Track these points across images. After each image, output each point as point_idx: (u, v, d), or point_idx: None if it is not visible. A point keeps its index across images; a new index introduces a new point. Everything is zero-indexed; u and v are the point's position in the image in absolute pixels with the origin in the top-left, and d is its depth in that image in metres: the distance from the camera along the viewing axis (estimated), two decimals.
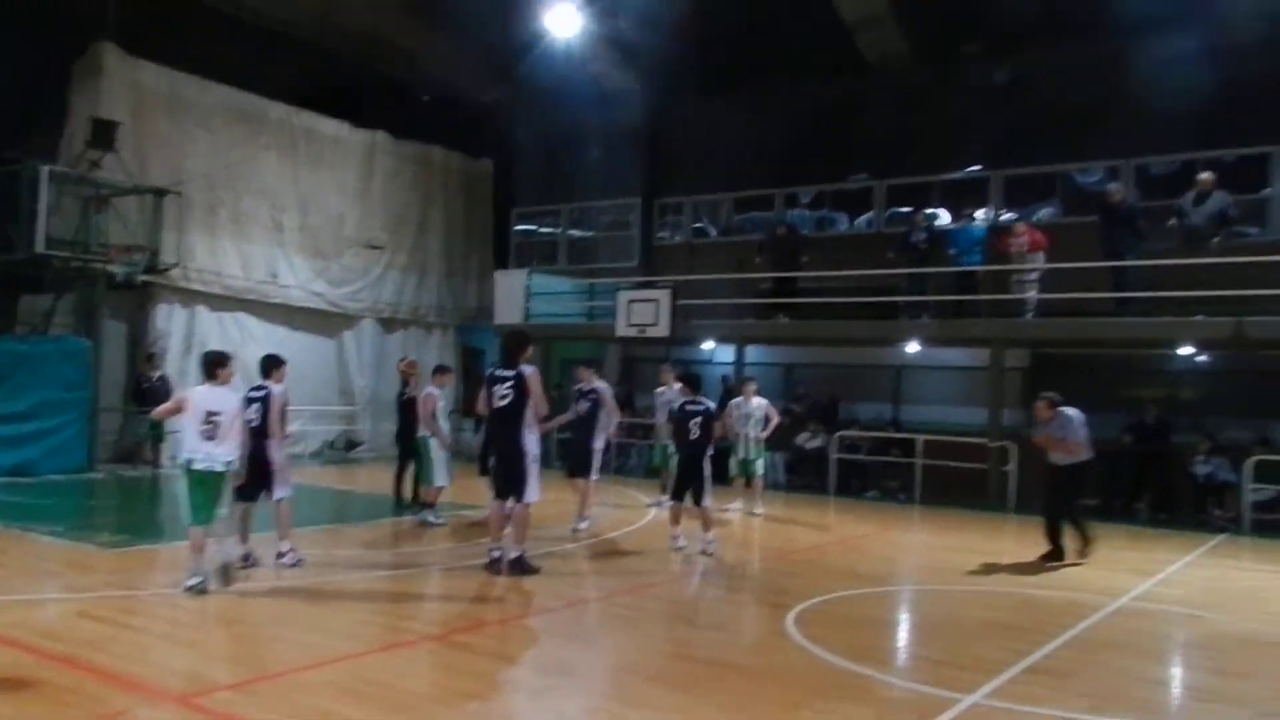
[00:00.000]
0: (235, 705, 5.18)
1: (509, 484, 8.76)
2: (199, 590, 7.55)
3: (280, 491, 8.74)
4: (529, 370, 8.72)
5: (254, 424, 8.61)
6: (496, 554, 8.83)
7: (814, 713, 5.35)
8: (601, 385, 11.81)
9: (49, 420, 15.07)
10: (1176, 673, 6.67)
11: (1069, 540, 10.53)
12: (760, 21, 18.63)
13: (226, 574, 7.80)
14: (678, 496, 10.31)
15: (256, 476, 8.60)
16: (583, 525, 11.35)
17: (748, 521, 13.06)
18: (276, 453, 8.69)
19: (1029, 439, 11.31)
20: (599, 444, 11.68)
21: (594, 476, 11.67)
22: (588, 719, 5.17)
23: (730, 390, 17.16)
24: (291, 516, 8.90)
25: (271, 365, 9.01)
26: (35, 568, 8.63)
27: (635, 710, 5.39)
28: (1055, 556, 10.47)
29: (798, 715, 5.32)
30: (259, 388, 8.80)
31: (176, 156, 17.74)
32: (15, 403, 14.67)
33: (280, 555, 8.76)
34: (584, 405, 11.63)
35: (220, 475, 7.73)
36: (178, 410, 7.86)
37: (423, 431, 11.54)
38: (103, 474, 15.69)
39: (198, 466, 7.61)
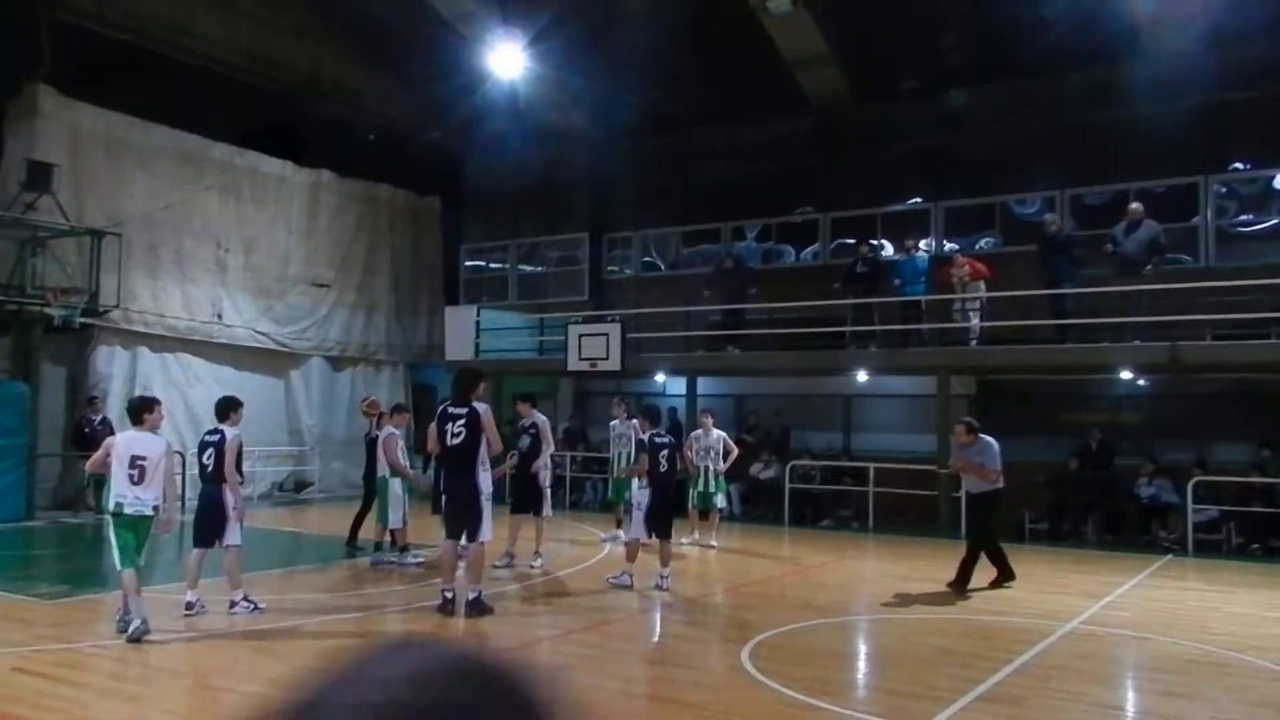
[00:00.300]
0: None
1: (462, 524, 8.68)
2: (140, 633, 7.40)
3: (231, 538, 8.56)
4: (482, 408, 8.68)
5: (209, 469, 8.53)
6: (450, 594, 8.72)
7: None
8: (540, 418, 11.68)
9: None
10: (1125, 695, 6.76)
11: (971, 569, 10.50)
12: (704, 60, 18.90)
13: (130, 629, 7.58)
14: (665, 534, 10.13)
15: (211, 522, 8.47)
16: (537, 563, 11.26)
17: (704, 554, 13.05)
18: (230, 497, 8.53)
19: (942, 468, 11.34)
20: (545, 478, 11.54)
21: (547, 513, 11.57)
22: None
23: (676, 424, 17.22)
24: (239, 564, 8.72)
25: (229, 408, 8.84)
26: None
27: None
28: (1006, 577, 10.53)
29: None
30: (214, 431, 8.69)
31: (116, 198, 17.48)
32: None
33: (232, 605, 8.57)
34: (525, 441, 11.53)
35: (148, 519, 7.66)
36: (106, 457, 7.74)
37: (382, 472, 11.45)
38: (42, 522, 15.28)
39: (127, 511, 7.55)
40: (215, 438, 8.59)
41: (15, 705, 5.88)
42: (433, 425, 8.85)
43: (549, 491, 11.68)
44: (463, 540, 8.75)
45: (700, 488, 13.40)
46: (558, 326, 19.33)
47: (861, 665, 7.92)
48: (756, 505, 17.65)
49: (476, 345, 20.05)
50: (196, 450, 8.84)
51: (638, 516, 10.08)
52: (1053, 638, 8.26)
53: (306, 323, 21.09)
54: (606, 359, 17.69)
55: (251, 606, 8.60)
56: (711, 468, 13.31)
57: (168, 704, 6.14)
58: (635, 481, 10.18)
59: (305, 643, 7.82)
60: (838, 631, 8.58)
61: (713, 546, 13.30)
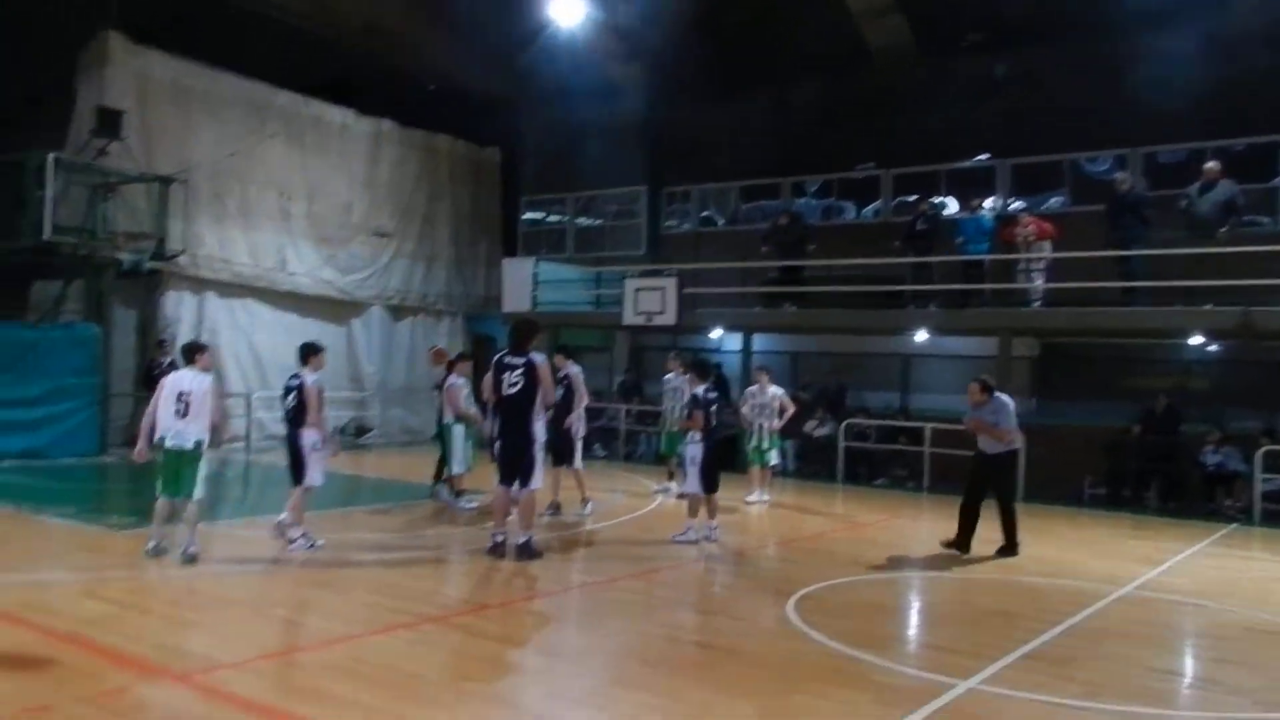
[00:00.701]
0: (233, 684, 5.23)
1: (515, 470, 8.83)
2: (154, 554, 8.20)
3: (310, 479, 8.91)
4: (539, 359, 8.82)
5: (291, 412, 8.96)
6: (500, 539, 8.88)
7: (809, 697, 5.37)
8: (574, 369, 11.66)
9: (60, 405, 15.21)
10: (1176, 661, 6.65)
11: (992, 530, 10.10)
12: (767, 11, 18.55)
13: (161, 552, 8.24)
14: (712, 487, 10.09)
15: (294, 462, 8.92)
16: (586, 510, 11.39)
17: (755, 509, 13.05)
18: (307, 440, 8.85)
19: (963, 424, 10.73)
20: (578, 430, 11.58)
21: (578, 464, 11.61)
22: (582, 699, 5.19)
23: (722, 379, 17.05)
24: (305, 505, 9.05)
25: (309, 353, 9.17)
26: (44, 549, 8.72)
27: (629, 692, 5.42)
28: (961, 546, 10.03)
29: (791, 700, 5.33)
30: (294, 376, 9.05)
31: (183, 145, 17.80)
32: (27, 388, 14.81)
33: (291, 541, 8.86)
34: (559, 392, 11.31)
35: (188, 453, 8.13)
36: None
37: (446, 419, 11.68)
38: (114, 458, 15.80)
39: (169, 444, 8.11)
40: (295, 382, 8.97)
41: (87, 627, 6.15)
42: (489, 374, 8.96)
43: (580, 443, 11.71)
44: (515, 487, 8.88)
45: (754, 443, 13.38)
46: (614, 280, 19.35)
47: (906, 621, 7.88)
48: (811, 463, 17.59)
49: (534, 297, 20.15)
50: (281, 395, 9.09)
51: (693, 471, 10.07)
52: (1106, 601, 8.15)
53: (368, 272, 21.37)
54: (662, 313, 17.68)
55: (310, 543, 8.87)
56: (766, 425, 13.26)
57: (227, 630, 6.36)
58: (689, 436, 10.18)
59: (359, 578, 8.03)
60: (885, 587, 8.54)
61: (764, 500, 13.31)
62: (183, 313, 18.00)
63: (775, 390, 13.44)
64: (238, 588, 7.62)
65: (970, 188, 17.42)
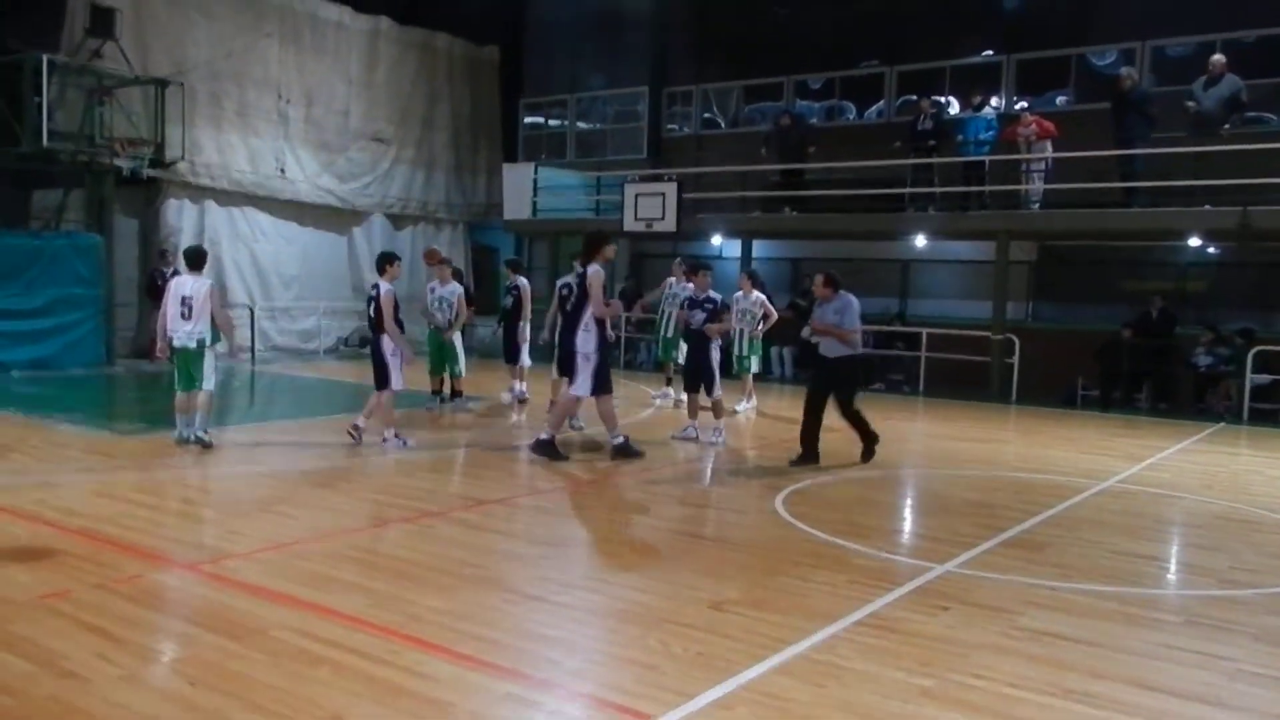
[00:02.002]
0: (240, 571, 5.49)
1: (569, 375, 9.35)
2: (180, 441, 9.13)
3: (392, 383, 9.38)
4: (591, 270, 9.03)
5: (371, 320, 9.48)
6: (617, 440, 9.27)
7: (790, 579, 5.62)
8: (523, 281, 12.97)
9: (66, 316, 15.39)
10: (1148, 546, 6.87)
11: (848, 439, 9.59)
12: None
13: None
14: (693, 389, 10.50)
15: (376, 368, 9.44)
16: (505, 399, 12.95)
17: (742, 416, 13.17)
18: (388, 346, 9.30)
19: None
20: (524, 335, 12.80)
21: (524, 362, 12.91)
22: (574, 583, 5.44)
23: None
24: (392, 405, 9.62)
25: (384, 262, 9.63)
26: (56, 454, 8.97)
27: (620, 575, 5.68)
28: (808, 460, 9.29)
29: (773, 580, 5.58)
30: (374, 285, 9.50)
31: (178, 45, 17.60)
32: (32, 298, 14.99)
33: (384, 440, 9.42)
34: (508, 300, 12.92)
35: (193, 351, 9.01)
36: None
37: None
38: (121, 368, 16.05)
39: (177, 344, 9.08)
40: (374, 292, 9.43)
41: (98, 523, 6.40)
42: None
43: (526, 346, 12.93)
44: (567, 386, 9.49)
45: (737, 351, 13.26)
46: (614, 186, 19.24)
47: (890, 513, 8.13)
48: (808, 369, 17.71)
49: (534, 204, 20.10)
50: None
51: (718, 375, 10.42)
52: (1086, 494, 8.38)
53: (367, 179, 21.29)
54: (663, 219, 17.62)
55: (401, 442, 9.44)
56: (747, 331, 13.12)
57: (235, 525, 6.61)
58: (714, 341, 10.40)
59: (362, 479, 8.32)
60: (871, 483, 8.78)
61: (749, 408, 13.28)
62: (184, 222, 18.05)
63: (758, 295, 13.30)
64: (245, 488, 7.88)
65: (975, 85, 17.18)
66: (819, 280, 9.41)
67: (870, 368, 17.07)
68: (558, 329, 10.30)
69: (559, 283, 10.86)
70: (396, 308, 9.38)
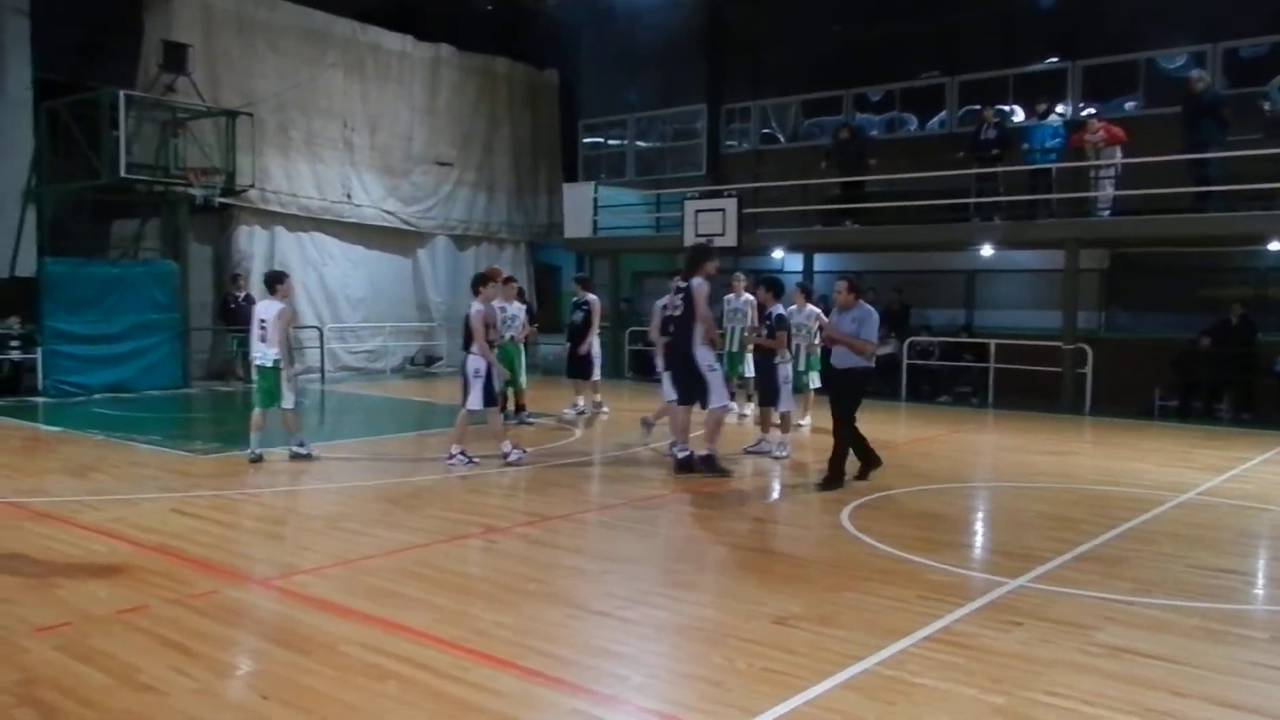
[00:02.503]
0: (309, 586, 5.58)
1: (689, 391, 9.29)
2: (252, 460, 9.48)
3: (470, 401, 9.49)
4: (695, 283, 9.15)
5: (463, 339, 9.70)
6: (683, 453, 9.33)
7: (857, 594, 5.52)
8: (592, 298, 13.49)
9: (143, 340, 15.90)
10: (1230, 560, 6.61)
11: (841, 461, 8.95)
12: None
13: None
14: (765, 403, 10.56)
15: (462, 385, 9.62)
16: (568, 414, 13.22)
17: (805, 432, 13.00)
18: (471, 364, 9.47)
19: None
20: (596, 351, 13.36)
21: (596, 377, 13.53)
22: (638, 599, 5.42)
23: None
24: (467, 423, 9.73)
25: (478, 283, 9.84)
26: (133, 473, 9.23)
27: (683, 591, 5.64)
28: (870, 466, 9.13)
29: (840, 596, 5.50)
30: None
31: (247, 78, 18.16)
32: (111, 324, 15.51)
33: (450, 456, 9.57)
34: (578, 315, 13.34)
35: (268, 369, 9.49)
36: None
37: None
38: (197, 390, 16.51)
39: (255, 363, 9.68)
40: (467, 311, 9.61)
41: (174, 540, 6.57)
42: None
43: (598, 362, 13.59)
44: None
45: (795, 366, 13.04)
46: (674, 202, 19.28)
47: (960, 527, 7.95)
48: (872, 382, 17.47)
49: (594, 223, 20.23)
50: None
51: (786, 390, 10.43)
52: (1165, 506, 8.13)
53: (431, 202, 21.66)
54: (723, 234, 17.59)
55: (466, 460, 9.51)
56: (804, 346, 12.93)
57: (305, 541, 6.73)
58: (779, 355, 10.34)
59: (430, 496, 8.39)
60: (940, 496, 8.61)
61: (806, 425, 13.06)
62: (255, 247, 18.54)
63: (812, 309, 13.10)
64: (315, 505, 8.03)
65: (1040, 93, 16.87)
66: (841, 286, 9.04)
67: (937, 381, 16.85)
68: (661, 348, 10.26)
69: (659, 304, 10.59)
70: (489, 326, 9.52)
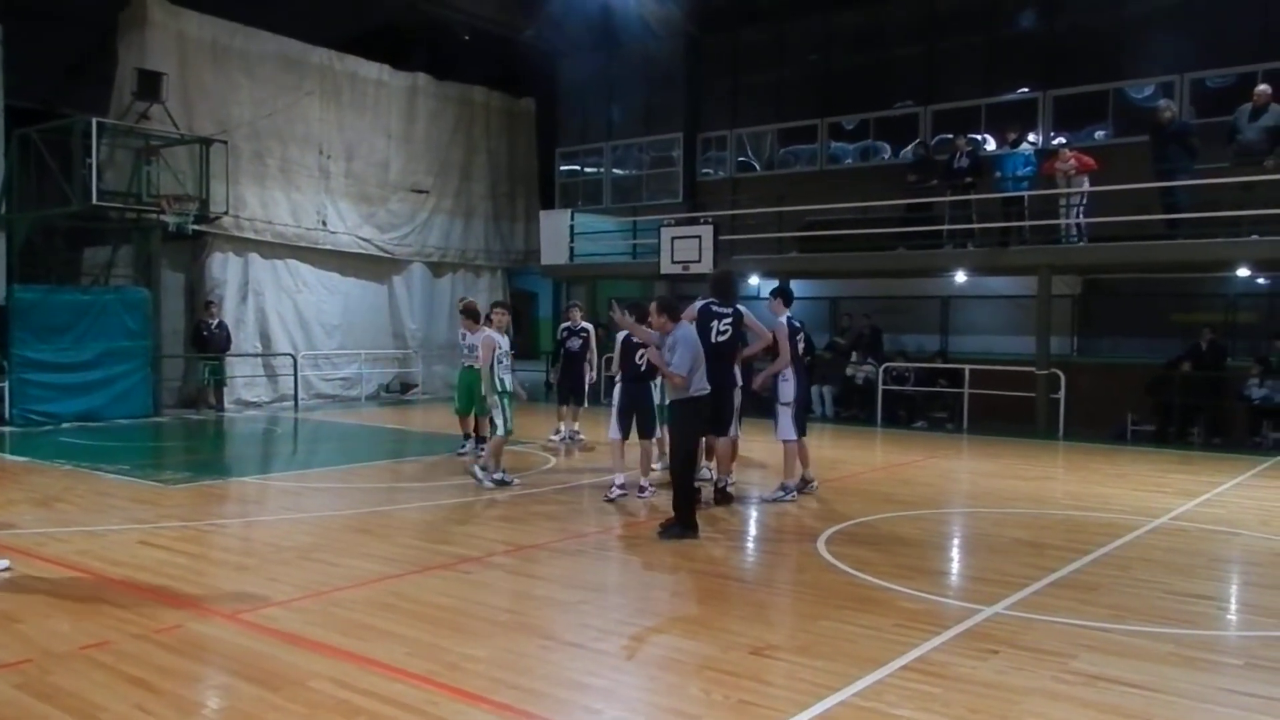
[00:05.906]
0: (279, 620, 5.48)
1: (718, 418, 9.01)
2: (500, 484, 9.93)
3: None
4: (744, 309, 9.23)
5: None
6: (723, 484, 9.36)
7: (832, 623, 5.49)
8: (589, 325, 13.63)
9: (114, 368, 15.71)
10: (1204, 586, 6.63)
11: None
12: None
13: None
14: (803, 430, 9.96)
15: None
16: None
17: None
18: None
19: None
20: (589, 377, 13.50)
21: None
22: (613, 629, 5.36)
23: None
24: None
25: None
26: (101, 503, 9.07)
27: (658, 620, 5.59)
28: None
29: (816, 625, 5.46)
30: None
31: (223, 106, 18.07)
32: (81, 352, 15.31)
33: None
34: (576, 342, 13.36)
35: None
36: None
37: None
38: (167, 418, 16.31)
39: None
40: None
41: (139, 572, 6.45)
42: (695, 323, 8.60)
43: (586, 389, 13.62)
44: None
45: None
46: (650, 229, 19.34)
47: (935, 554, 7.94)
48: (849, 407, 17.60)
49: (571, 249, 20.25)
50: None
51: (785, 413, 9.34)
52: (1139, 531, 8.15)
53: (407, 229, 21.60)
54: (699, 261, 17.67)
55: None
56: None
57: (275, 573, 6.62)
58: (781, 374, 9.35)
59: (403, 525, 8.29)
60: (916, 523, 8.61)
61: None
62: (228, 274, 18.39)
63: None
64: (286, 536, 7.90)
65: (1011, 123, 17.09)
66: (652, 308, 8.04)
67: (913, 406, 16.92)
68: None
69: (620, 335, 9.62)
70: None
